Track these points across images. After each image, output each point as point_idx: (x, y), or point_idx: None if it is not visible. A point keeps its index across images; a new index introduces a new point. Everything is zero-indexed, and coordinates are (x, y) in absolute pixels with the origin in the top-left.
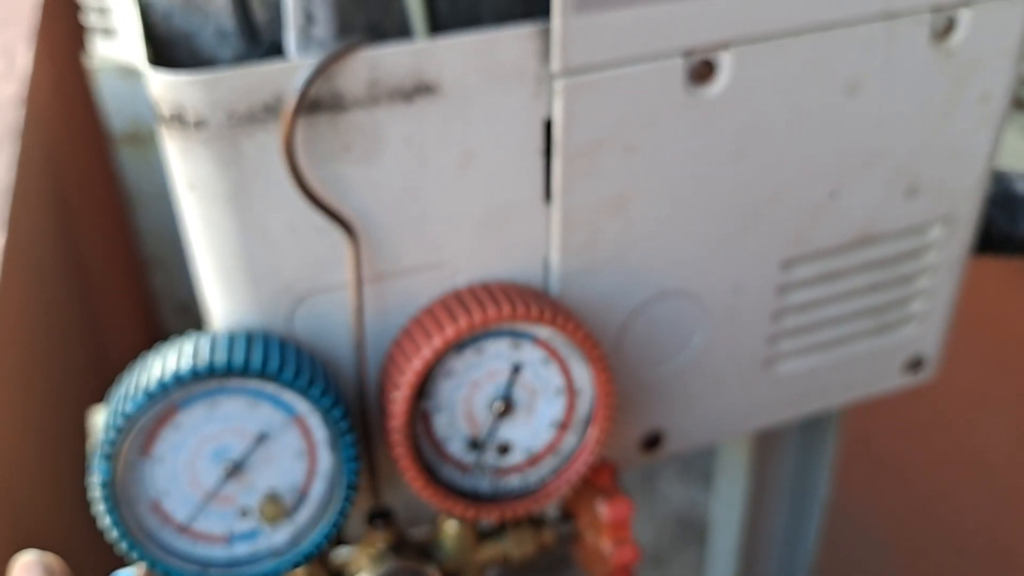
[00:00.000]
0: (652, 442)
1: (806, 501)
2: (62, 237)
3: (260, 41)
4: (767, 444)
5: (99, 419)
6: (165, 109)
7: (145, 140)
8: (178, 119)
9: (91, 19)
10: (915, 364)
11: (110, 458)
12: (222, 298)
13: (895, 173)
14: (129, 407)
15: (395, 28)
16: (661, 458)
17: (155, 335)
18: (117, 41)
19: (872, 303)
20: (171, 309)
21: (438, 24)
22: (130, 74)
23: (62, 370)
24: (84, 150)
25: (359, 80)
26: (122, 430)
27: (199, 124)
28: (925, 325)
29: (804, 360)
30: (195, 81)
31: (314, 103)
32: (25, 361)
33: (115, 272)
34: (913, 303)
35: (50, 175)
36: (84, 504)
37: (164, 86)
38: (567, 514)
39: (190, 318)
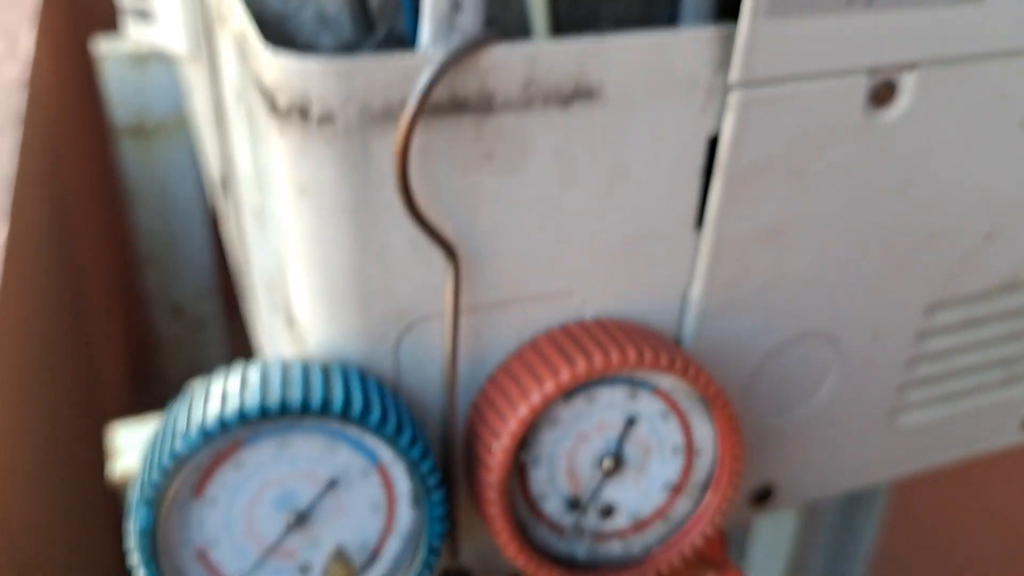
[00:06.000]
0: (762, 496)
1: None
2: (58, 230)
3: (374, 28)
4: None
5: (119, 437)
6: (283, 99)
7: (149, 133)
8: (299, 112)
9: (124, 1)
10: None
11: (152, 503)
12: (325, 321)
13: None
14: (180, 446)
15: (515, 25)
16: (768, 512)
17: (145, 337)
18: (154, 26)
19: (1005, 353)
20: (164, 310)
21: (559, 24)
22: (139, 64)
23: (55, 371)
24: (83, 140)
25: (513, 79)
26: (169, 472)
27: (324, 119)
28: None
29: (928, 412)
30: (328, 70)
31: (461, 102)
32: (24, 359)
33: (107, 269)
34: None
35: (49, 164)
36: (75, 514)
37: (285, 73)
38: None
39: (183, 321)
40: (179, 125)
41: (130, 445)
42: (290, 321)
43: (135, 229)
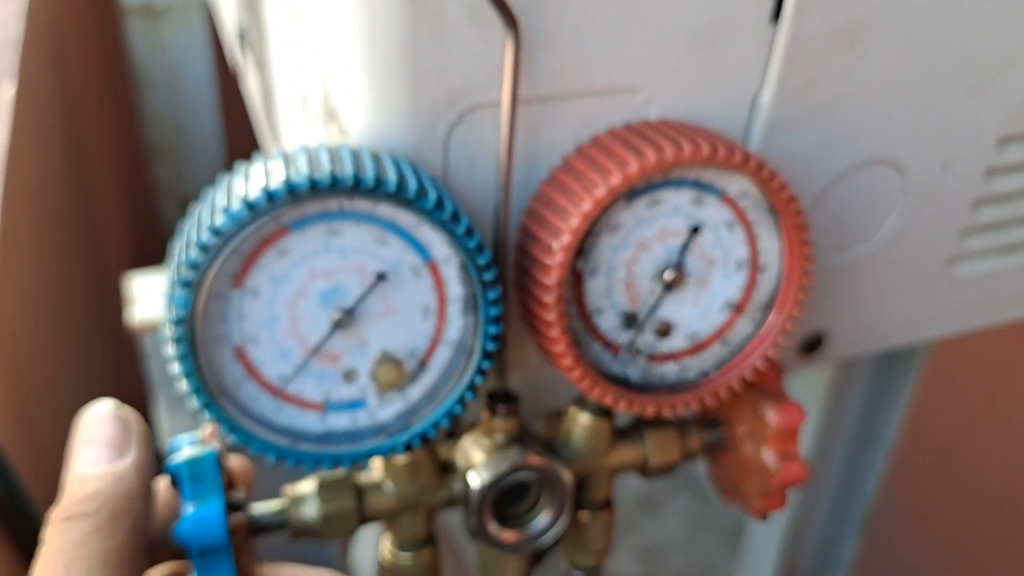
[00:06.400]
0: (812, 345)
1: (871, 443)
2: (63, 104)
3: None
4: (841, 373)
5: (135, 286)
6: None
7: (159, 14)
8: None
9: None
10: None
11: (190, 286)
12: (371, 105)
13: None
14: (221, 220)
15: None
16: (817, 364)
17: (152, 229)
18: None
19: None
20: (172, 202)
21: None
22: None
23: (63, 242)
24: (89, 16)
25: None
26: (209, 249)
27: None
28: None
29: (987, 262)
30: None
31: None
32: (36, 224)
33: (114, 157)
34: None
35: (54, 35)
36: (84, 377)
37: None
38: (712, 419)
39: None
40: (190, 6)
41: (146, 293)
42: (330, 116)
43: (143, 117)
